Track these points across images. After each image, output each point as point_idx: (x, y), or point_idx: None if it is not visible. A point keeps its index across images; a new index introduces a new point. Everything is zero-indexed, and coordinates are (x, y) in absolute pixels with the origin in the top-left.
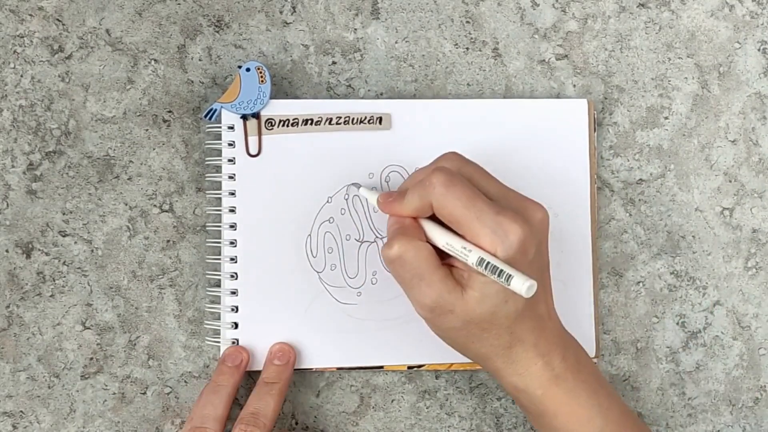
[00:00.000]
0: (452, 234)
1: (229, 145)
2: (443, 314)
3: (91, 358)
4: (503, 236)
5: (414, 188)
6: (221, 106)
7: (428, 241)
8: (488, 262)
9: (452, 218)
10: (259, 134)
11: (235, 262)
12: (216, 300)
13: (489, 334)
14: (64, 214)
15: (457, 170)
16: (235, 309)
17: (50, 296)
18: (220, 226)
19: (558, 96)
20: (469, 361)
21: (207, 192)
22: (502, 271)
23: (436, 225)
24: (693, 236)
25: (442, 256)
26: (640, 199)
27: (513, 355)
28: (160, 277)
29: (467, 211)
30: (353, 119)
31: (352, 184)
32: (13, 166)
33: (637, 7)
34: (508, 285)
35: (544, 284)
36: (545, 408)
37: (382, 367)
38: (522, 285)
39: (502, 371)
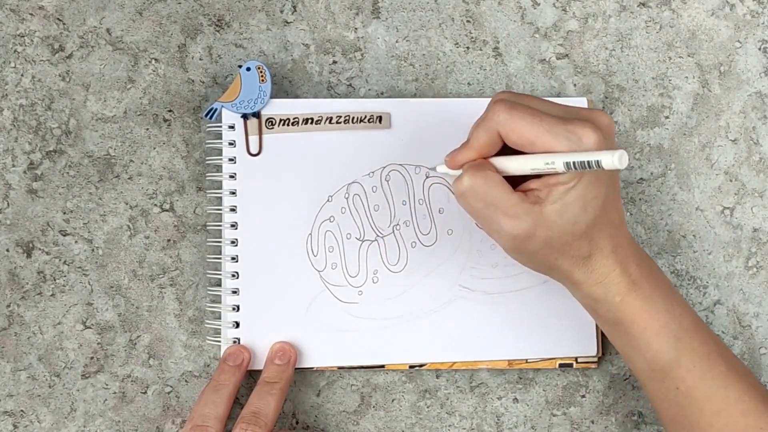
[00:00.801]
0: (528, 156)
1: (230, 144)
2: (526, 239)
3: (92, 358)
4: (578, 141)
5: (477, 127)
6: (222, 106)
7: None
8: (575, 161)
9: (523, 139)
10: (260, 133)
11: (236, 261)
12: (217, 299)
13: (570, 247)
14: (64, 213)
15: (514, 99)
16: (236, 308)
17: (51, 295)
18: (220, 226)
19: (558, 95)
20: (470, 360)
21: (208, 191)
22: (590, 161)
23: (507, 156)
24: (693, 235)
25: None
26: (640, 199)
27: (592, 264)
28: (160, 276)
29: (536, 127)
30: (353, 118)
31: (431, 168)
32: (13, 166)
33: (638, 6)
34: (601, 167)
35: (616, 190)
36: (622, 315)
37: (382, 366)
38: (613, 157)
39: (581, 283)
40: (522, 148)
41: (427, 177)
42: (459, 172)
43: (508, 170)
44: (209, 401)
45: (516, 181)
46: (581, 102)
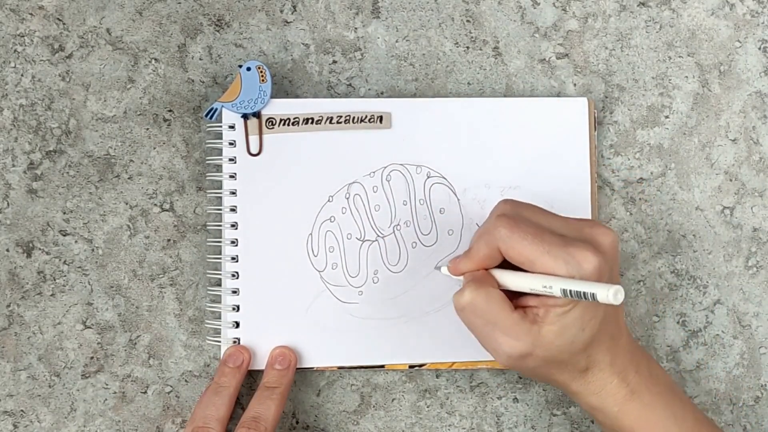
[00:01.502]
0: (527, 275)
1: (230, 144)
2: (522, 358)
3: (92, 357)
4: (577, 266)
5: (478, 239)
6: (222, 106)
7: (501, 289)
8: (572, 290)
9: (522, 258)
10: (260, 133)
11: (236, 261)
12: (217, 299)
13: (567, 363)
14: (64, 213)
15: (516, 214)
16: (236, 308)
17: (51, 295)
18: (220, 225)
19: (558, 95)
20: (470, 360)
21: (208, 191)
22: (585, 293)
23: (507, 271)
24: (693, 235)
25: (512, 300)
26: (640, 198)
27: (589, 377)
28: (160, 276)
29: (536, 247)
30: (354, 118)
31: (435, 267)
32: (13, 166)
33: (638, 5)
34: (596, 300)
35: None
36: (621, 424)
37: (383, 366)
38: (608, 292)
39: (579, 394)
40: (522, 266)
41: (428, 177)
42: (461, 278)
43: (507, 286)
44: (210, 403)
45: (515, 291)
46: (581, 101)
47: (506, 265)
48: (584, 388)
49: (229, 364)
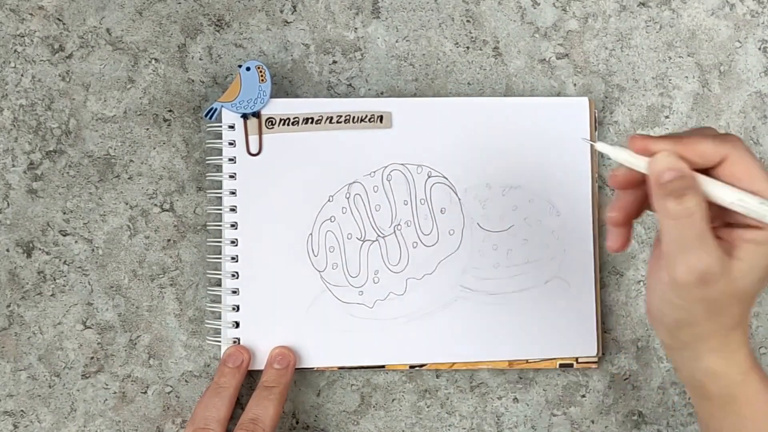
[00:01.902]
0: (742, 190)
1: (230, 144)
2: (706, 283)
3: (92, 358)
4: None
5: (702, 134)
6: (222, 106)
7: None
8: None
9: (746, 174)
10: (260, 133)
11: (236, 261)
12: (217, 299)
13: (726, 312)
14: (64, 213)
15: None
16: (236, 308)
17: (51, 295)
18: (220, 225)
19: (558, 95)
20: (471, 360)
21: (208, 191)
22: None
23: (716, 182)
24: None
25: None
26: None
27: (731, 337)
28: (160, 276)
29: (764, 172)
30: (354, 118)
31: (583, 138)
32: (13, 166)
33: (638, 6)
34: None
35: None
36: (740, 394)
37: (383, 366)
38: None
39: (710, 352)
40: (736, 183)
41: (428, 177)
42: (639, 160)
43: (713, 196)
44: (210, 404)
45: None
46: (582, 101)
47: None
48: (720, 347)
49: (228, 365)
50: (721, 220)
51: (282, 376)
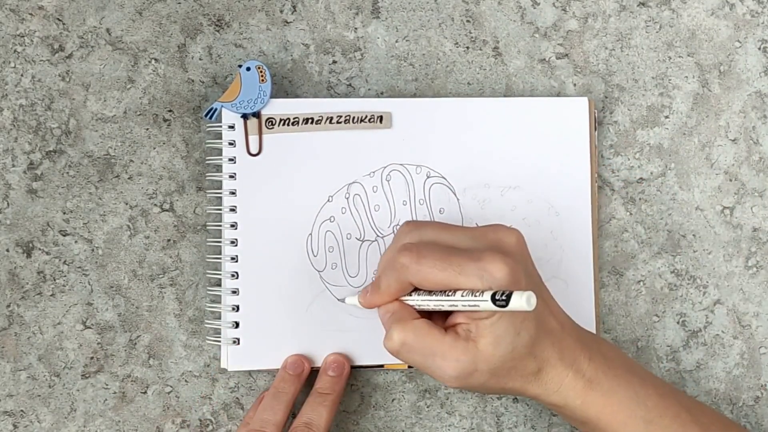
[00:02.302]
0: (446, 297)
1: (230, 144)
2: (469, 375)
3: (92, 358)
4: (491, 279)
5: (387, 273)
6: (221, 106)
7: (421, 315)
8: (496, 295)
9: (436, 285)
10: (260, 133)
11: (236, 261)
12: (217, 299)
13: (516, 370)
14: (64, 213)
15: (419, 238)
16: (236, 308)
17: (51, 295)
18: (220, 226)
19: (558, 95)
20: None
21: (207, 191)
22: (502, 294)
23: (424, 297)
24: (693, 235)
25: (440, 320)
26: (640, 198)
27: (543, 377)
28: (160, 276)
29: (446, 272)
30: (354, 118)
31: (339, 299)
32: (13, 166)
33: (638, 5)
34: (508, 307)
35: (544, 298)
36: (588, 415)
37: (382, 366)
38: (520, 300)
39: (539, 396)
40: (438, 290)
41: (427, 177)
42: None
43: (428, 308)
44: (268, 407)
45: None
46: (582, 101)
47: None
48: (542, 389)
49: (289, 371)
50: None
51: (336, 384)
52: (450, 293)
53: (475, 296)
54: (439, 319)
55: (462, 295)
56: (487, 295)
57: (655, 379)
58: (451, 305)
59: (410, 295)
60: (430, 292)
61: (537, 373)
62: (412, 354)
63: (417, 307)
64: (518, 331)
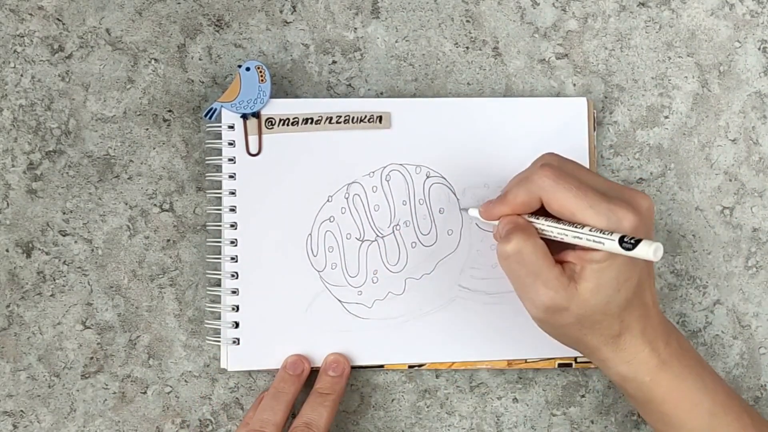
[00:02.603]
0: (570, 226)
1: (230, 144)
2: (558, 312)
3: (92, 358)
4: (617, 223)
5: (519, 185)
6: (221, 106)
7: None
8: (623, 237)
9: (564, 209)
10: (260, 133)
11: (236, 261)
12: (216, 299)
13: (600, 325)
14: (64, 213)
15: (561, 165)
16: (236, 308)
17: (50, 296)
18: (220, 226)
19: (558, 95)
20: (470, 360)
21: (207, 191)
22: (631, 240)
23: (549, 220)
24: (693, 235)
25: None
26: None
27: (621, 344)
28: (160, 276)
29: (579, 201)
30: (353, 118)
31: (461, 209)
32: (13, 166)
33: (638, 6)
34: (633, 251)
35: (650, 273)
36: (653, 394)
37: (382, 366)
38: (649, 249)
39: (610, 360)
40: (562, 217)
41: (427, 177)
42: (494, 222)
43: (549, 234)
44: (268, 407)
45: (551, 244)
46: (581, 101)
47: (540, 213)
48: (615, 354)
49: (289, 371)
50: (569, 245)
51: (336, 384)
52: (578, 226)
53: (603, 234)
54: (552, 251)
55: (590, 230)
56: (616, 236)
57: (724, 382)
58: (575, 237)
59: (536, 218)
60: (557, 220)
61: (617, 336)
62: (519, 266)
63: (540, 229)
64: (619, 289)
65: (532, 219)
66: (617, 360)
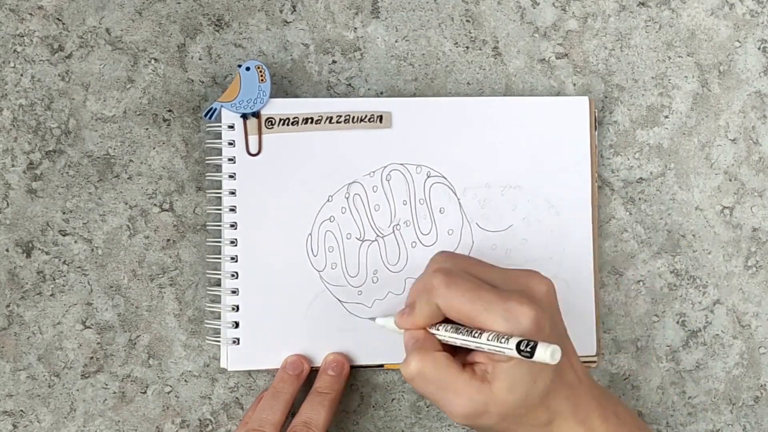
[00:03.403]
0: (469, 337)
1: (229, 144)
2: (479, 416)
3: (92, 358)
4: (515, 323)
5: (419, 297)
6: (221, 105)
7: (444, 348)
8: (522, 342)
9: (461, 315)
10: (260, 133)
11: (236, 261)
12: (216, 299)
13: (527, 418)
14: (64, 213)
15: (453, 266)
16: (236, 308)
17: (50, 295)
18: (220, 225)
19: (558, 95)
20: None
21: (207, 191)
22: (528, 344)
23: (450, 327)
24: (693, 235)
25: (459, 356)
26: (640, 198)
27: (553, 430)
28: (160, 276)
29: (474, 304)
30: (353, 118)
31: (369, 318)
32: (13, 166)
33: (637, 5)
34: (532, 358)
35: (567, 351)
36: None
37: (382, 365)
38: (545, 352)
39: None
40: (461, 322)
41: (427, 177)
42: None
43: (453, 343)
44: (267, 407)
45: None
46: (582, 101)
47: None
48: None
49: (288, 371)
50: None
51: (336, 383)
52: (476, 334)
53: (501, 342)
54: (460, 354)
55: (488, 339)
56: (513, 343)
57: None
58: (476, 346)
59: (437, 329)
60: (457, 329)
61: (547, 424)
62: (426, 384)
63: (443, 340)
64: (534, 380)
65: (433, 330)
66: None
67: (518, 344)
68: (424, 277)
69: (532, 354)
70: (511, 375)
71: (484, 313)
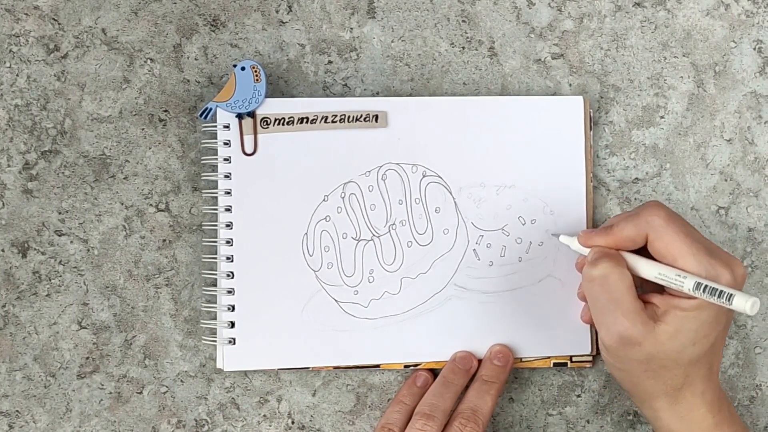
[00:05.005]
0: (662, 264)
1: (225, 144)
2: (629, 345)
3: (87, 358)
4: (715, 276)
5: (625, 220)
6: (217, 105)
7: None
8: (707, 285)
9: (668, 252)
10: (255, 133)
11: (232, 261)
12: (212, 299)
13: (666, 373)
14: (60, 213)
15: (670, 211)
16: (232, 308)
17: (46, 296)
18: (216, 225)
19: (554, 95)
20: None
21: (203, 191)
22: (722, 291)
23: (642, 258)
24: None
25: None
26: (636, 198)
27: (680, 398)
28: (156, 276)
29: (685, 246)
30: (349, 117)
31: (553, 234)
32: (8, 166)
33: (633, 6)
34: (730, 304)
35: (724, 339)
36: None
37: (378, 366)
38: (746, 302)
39: (663, 411)
40: (661, 258)
41: (423, 176)
42: (585, 250)
43: (638, 271)
44: (438, 393)
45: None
46: (577, 100)
47: (638, 253)
48: (671, 407)
49: (459, 365)
50: (657, 288)
51: (501, 373)
52: (680, 275)
53: (711, 286)
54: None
55: (693, 283)
56: (711, 282)
57: None
58: (677, 280)
59: (633, 255)
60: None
61: (678, 389)
62: (602, 291)
63: (637, 271)
64: (695, 342)
65: (628, 256)
66: (671, 412)
67: (719, 292)
68: (640, 209)
69: (729, 300)
70: (679, 324)
71: (690, 257)
